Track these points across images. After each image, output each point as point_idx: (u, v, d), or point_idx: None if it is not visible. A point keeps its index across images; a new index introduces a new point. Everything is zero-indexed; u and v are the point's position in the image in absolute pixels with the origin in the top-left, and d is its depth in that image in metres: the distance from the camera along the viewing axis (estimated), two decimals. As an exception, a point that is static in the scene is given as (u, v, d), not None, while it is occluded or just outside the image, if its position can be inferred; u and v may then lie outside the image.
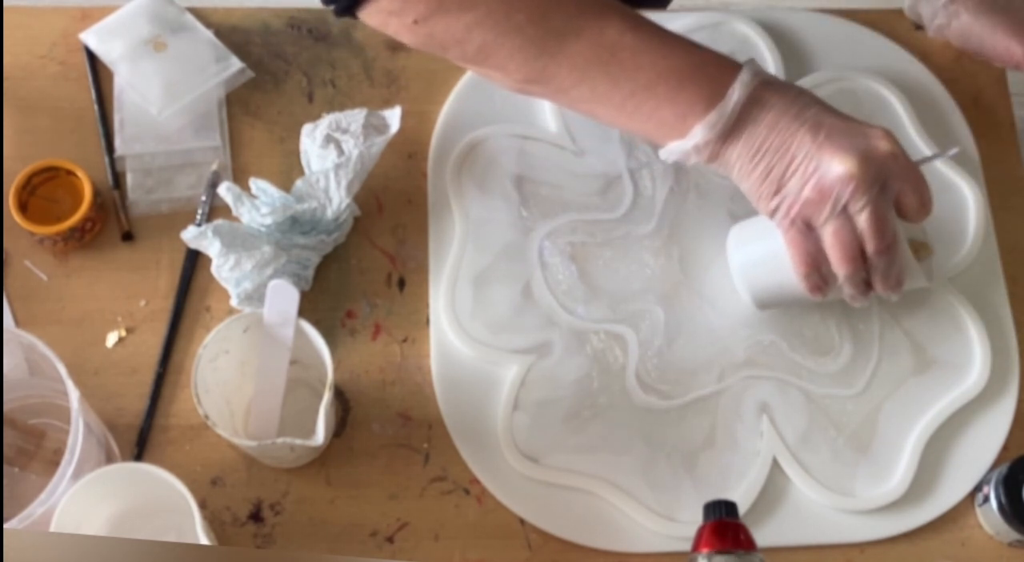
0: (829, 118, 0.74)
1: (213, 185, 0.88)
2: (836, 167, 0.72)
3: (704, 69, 0.75)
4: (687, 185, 0.91)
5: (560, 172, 0.91)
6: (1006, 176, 0.95)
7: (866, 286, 0.78)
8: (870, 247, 0.74)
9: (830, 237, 0.75)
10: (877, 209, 0.73)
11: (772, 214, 0.76)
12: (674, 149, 0.76)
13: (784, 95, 0.75)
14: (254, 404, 0.80)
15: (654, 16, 0.97)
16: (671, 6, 0.99)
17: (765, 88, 0.75)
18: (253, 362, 0.79)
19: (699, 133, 0.74)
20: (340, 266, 0.88)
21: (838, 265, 0.76)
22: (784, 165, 0.74)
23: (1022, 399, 0.88)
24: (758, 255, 0.82)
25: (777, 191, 0.75)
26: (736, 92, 0.74)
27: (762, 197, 0.76)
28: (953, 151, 0.83)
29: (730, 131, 0.74)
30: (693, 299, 0.88)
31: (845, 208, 0.73)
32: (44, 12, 0.94)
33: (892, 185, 0.74)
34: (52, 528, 0.68)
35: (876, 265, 0.76)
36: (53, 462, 0.76)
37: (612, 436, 0.84)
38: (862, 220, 0.73)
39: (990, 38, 0.92)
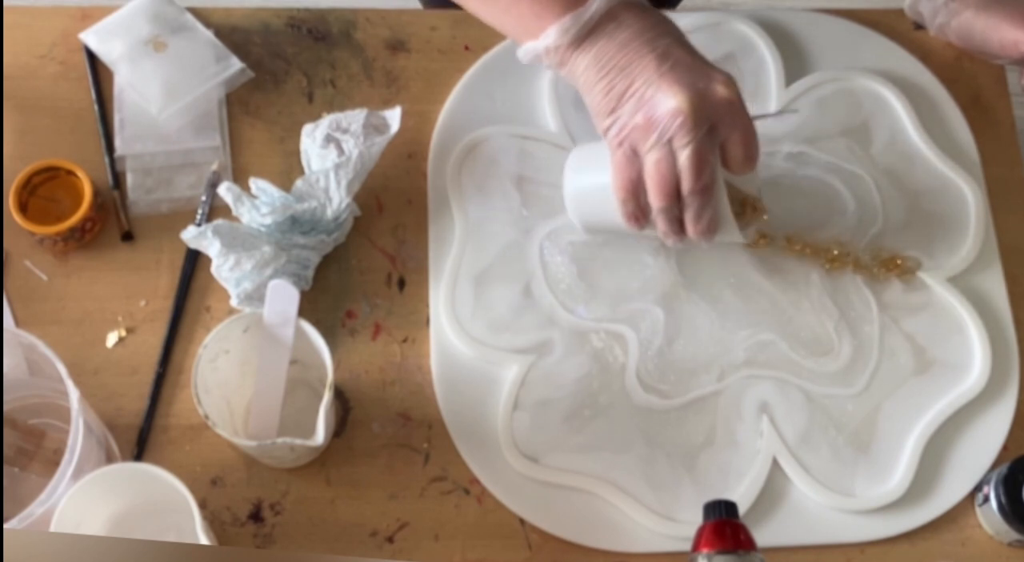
0: (679, 51, 0.75)
1: (213, 185, 0.88)
2: (669, 100, 0.73)
3: None
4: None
5: (560, 172, 0.91)
6: (1006, 176, 0.95)
7: (679, 225, 0.78)
8: (685, 185, 0.75)
9: (651, 166, 0.75)
10: (699, 149, 0.74)
11: (605, 132, 0.77)
12: (528, 49, 0.78)
13: (643, 19, 0.76)
14: (254, 404, 0.80)
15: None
16: (659, 5, 0.99)
17: (627, 8, 0.76)
18: (253, 362, 0.79)
19: (552, 35, 0.75)
20: (340, 266, 0.88)
21: (653, 196, 0.76)
22: (625, 86, 0.75)
23: (1022, 399, 0.88)
24: (589, 180, 0.82)
25: (613, 110, 0.76)
26: (596, 2, 0.75)
27: (600, 113, 0.77)
28: (791, 112, 0.84)
29: (582, 39, 0.75)
30: (692, 299, 0.88)
31: (670, 142, 0.74)
32: (44, 12, 0.94)
33: (721, 131, 0.75)
34: (52, 528, 0.68)
35: (689, 204, 0.76)
36: (53, 462, 0.76)
37: (612, 436, 0.84)
38: (683, 157, 0.74)
39: (994, 32, 0.92)
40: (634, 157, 0.76)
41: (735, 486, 0.83)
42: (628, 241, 0.89)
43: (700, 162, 0.74)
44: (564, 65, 0.77)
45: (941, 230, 0.92)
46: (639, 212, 0.79)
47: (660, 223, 0.78)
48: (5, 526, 0.68)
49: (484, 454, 0.83)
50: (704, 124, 0.74)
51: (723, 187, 0.77)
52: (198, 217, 0.88)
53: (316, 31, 0.96)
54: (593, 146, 0.83)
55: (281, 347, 0.78)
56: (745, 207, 0.85)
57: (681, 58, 0.75)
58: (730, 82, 0.75)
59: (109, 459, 0.79)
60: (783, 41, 0.97)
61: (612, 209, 0.80)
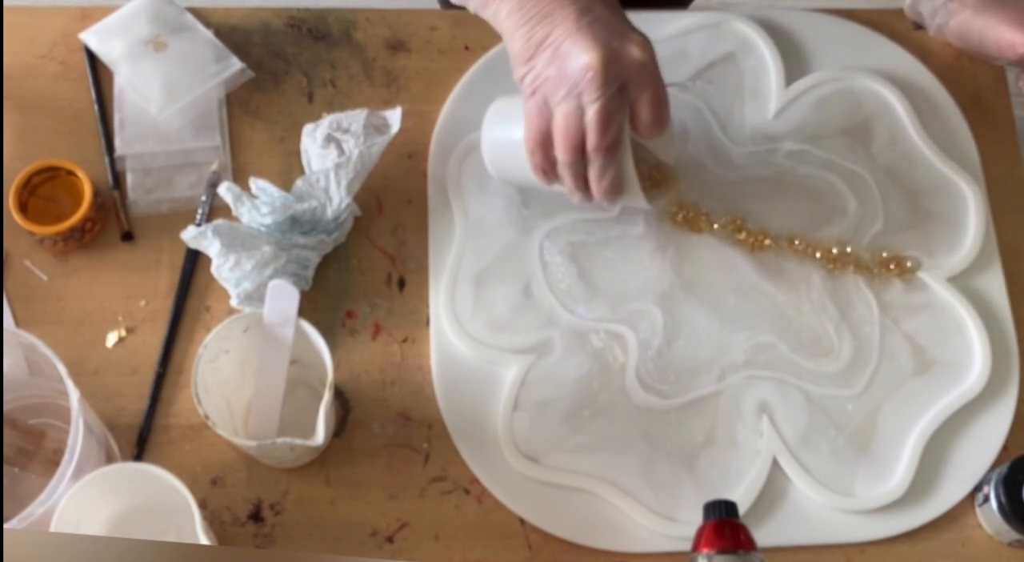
0: (601, 8, 0.75)
1: (213, 185, 0.88)
2: (583, 55, 0.73)
3: None
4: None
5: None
6: (1006, 176, 0.95)
7: (584, 182, 0.79)
8: (590, 142, 0.75)
9: (559, 119, 0.76)
10: (606, 107, 0.74)
11: (520, 81, 0.78)
12: None
13: None
14: (254, 404, 0.80)
15: (655, 15, 0.98)
16: (663, 6, 0.99)
17: None
18: (253, 362, 0.79)
19: None
20: (340, 266, 0.88)
21: (559, 149, 0.77)
22: (543, 35, 0.75)
23: (1022, 399, 0.88)
24: (505, 132, 0.83)
25: (530, 58, 0.76)
26: None
27: (517, 61, 0.77)
28: (707, 82, 0.85)
29: None
30: (691, 300, 0.88)
31: (580, 96, 0.74)
32: (44, 12, 0.94)
33: (631, 91, 0.75)
34: (52, 528, 0.68)
35: (593, 161, 0.76)
36: (53, 462, 0.76)
37: (612, 436, 0.84)
38: (590, 113, 0.74)
39: (991, 34, 0.92)
40: (545, 108, 0.77)
41: (735, 486, 0.83)
42: (627, 242, 0.89)
43: (606, 120, 0.74)
44: (488, 7, 0.78)
45: (941, 230, 0.92)
46: (547, 165, 0.79)
47: (566, 178, 0.79)
48: (5, 526, 0.68)
49: (484, 454, 0.83)
50: (614, 82, 0.74)
51: (629, 149, 0.77)
52: (198, 217, 0.88)
53: (316, 31, 0.96)
54: (515, 98, 0.83)
55: (281, 347, 0.78)
56: (656, 175, 0.85)
57: (602, 15, 0.75)
58: (645, 44, 0.75)
59: (109, 459, 0.79)
60: (783, 41, 0.97)
61: (525, 162, 0.81)
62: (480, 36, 0.95)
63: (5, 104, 0.91)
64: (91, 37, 0.92)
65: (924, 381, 0.87)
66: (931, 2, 0.96)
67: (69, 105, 0.91)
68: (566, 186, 0.80)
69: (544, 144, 0.78)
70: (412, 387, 0.85)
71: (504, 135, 0.83)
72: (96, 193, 0.86)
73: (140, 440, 0.82)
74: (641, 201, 0.80)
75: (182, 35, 0.92)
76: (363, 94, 0.94)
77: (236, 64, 0.92)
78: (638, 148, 0.85)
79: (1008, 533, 0.81)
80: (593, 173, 0.77)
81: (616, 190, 0.78)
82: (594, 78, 0.73)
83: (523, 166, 0.81)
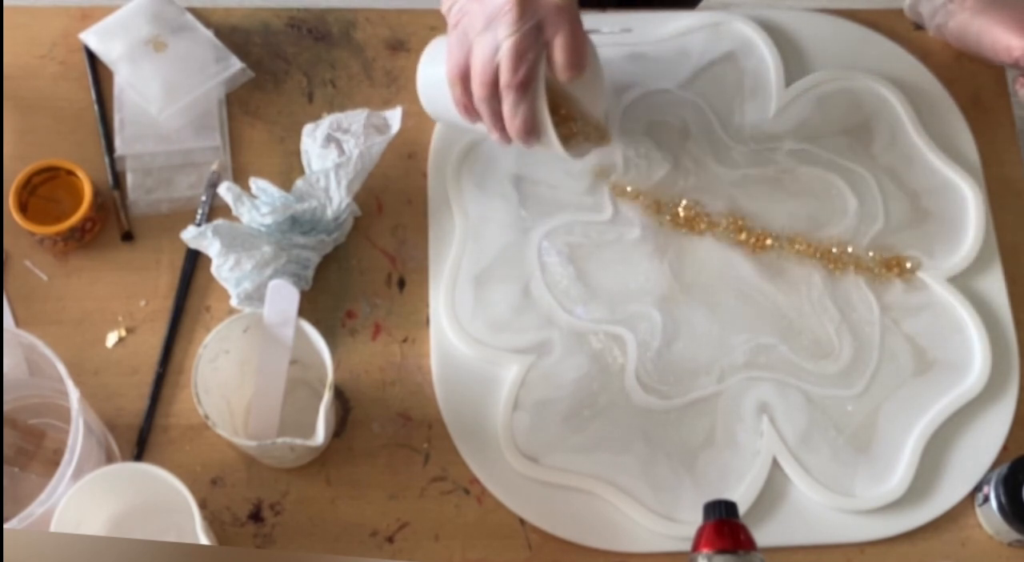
0: None
1: (213, 185, 0.88)
2: None
3: None
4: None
5: (557, 171, 0.91)
6: (1006, 176, 0.95)
7: (500, 121, 0.79)
8: (502, 77, 0.76)
9: (476, 52, 0.76)
10: (520, 43, 0.75)
11: (447, 13, 0.79)
12: None
13: None
14: (254, 404, 0.80)
15: (655, 15, 0.98)
16: (671, 6, 0.99)
17: None
18: (253, 362, 0.79)
19: None
20: (340, 266, 0.88)
21: (474, 83, 0.77)
22: None
23: (1022, 399, 0.88)
24: (438, 71, 0.83)
25: None
26: None
27: None
28: (626, 30, 0.86)
29: None
30: (690, 302, 0.88)
31: (497, 31, 0.75)
32: (44, 12, 0.94)
33: (547, 31, 0.76)
34: (52, 528, 0.68)
35: (505, 98, 0.77)
36: (53, 462, 0.76)
37: (612, 436, 0.84)
38: (503, 48, 0.75)
39: (987, 36, 0.92)
40: (465, 41, 0.77)
41: (735, 486, 0.83)
42: (625, 245, 0.89)
43: (518, 55, 0.75)
44: None
45: (941, 230, 0.92)
46: (467, 100, 0.80)
47: (483, 115, 0.79)
48: (5, 526, 0.68)
49: (484, 454, 0.83)
50: (530, 19, 0.75)
51: (542, 90, 0.77)
52: (198, 217, 0.88)
53: (316, 31, 0.96)
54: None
55: (281, 347, 0.78)
56: (586, 128, 0.86)
57: None
58: None
59: (109, 459, 0.79)
60: (783, 41, 0.97)
61: (451, 100, 0.81)
62: (480, 36, 0.95)
63: (5, 104, 0.91)
64: (91, 37, 0.92)
65: (924, 381, 0.87)
66: (931, 2, 0.97)
67: (69, 105, 0.91)
68: (485, 123, 0.81)
69: (463, 78, 0.78)
70: (412, 387, 0.85)
71: (435, 72, 0.83)
72: (96, 193, 0.86)
73: (140, 440, 0.82)
74: (557, 147, 0.80)
75: (182, 35, 0.92)
76: (363, 94, 0.94)
77: (236, 64, 0.92)
78: (565, 97, 0.86)
79: (1008, 533, 0.81)
80: (506, 110, 0.78)
81: (528, 131, 0.79)
82: (510, 12, 0.74)
83: (451, 104, 0.82)
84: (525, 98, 0.77)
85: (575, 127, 0.86)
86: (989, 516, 0.83)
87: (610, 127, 0.88)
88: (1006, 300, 0.90)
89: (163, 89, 0.90)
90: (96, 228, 0.87)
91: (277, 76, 0.94)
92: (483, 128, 0.81)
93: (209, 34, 0.93)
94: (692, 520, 0.77)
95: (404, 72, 0.95)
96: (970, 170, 0.94)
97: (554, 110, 0.81)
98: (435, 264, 0.88)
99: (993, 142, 0.96)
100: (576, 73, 0.77)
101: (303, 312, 0.78)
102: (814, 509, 0.83)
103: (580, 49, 0.77)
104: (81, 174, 0.86)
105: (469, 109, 0.80)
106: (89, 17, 0.94)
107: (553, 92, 0.83)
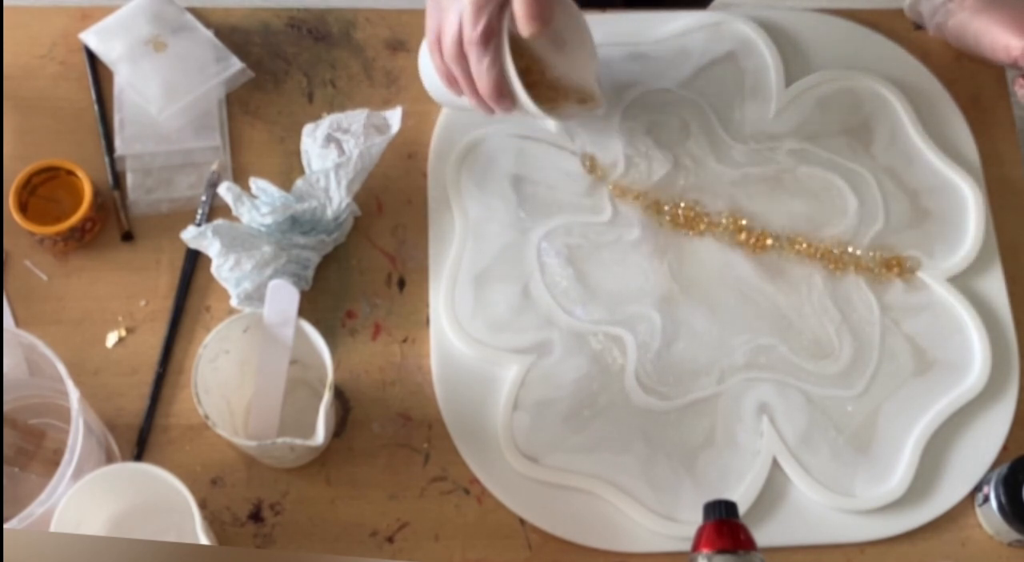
0: None
1: (213, 185, 0.88)
2: None
3: None
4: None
5: (555, 172, 0.91)
6: (1006, 176, 0.95)
7: (473, 83, 0.79)
8: (464, 34, 0.77)
9: (446, 15, 0.77)
10: None
11: None
12: None
13: None
14: (254, 404, 0.80)
15: (656, 15, 0.98)
16: (672, 6, 0.99)
17: None
18: (253, 362, 0.79)
19: None
20: (340, 266, 0.88)
21: (443, 43, 0.78)
22: None
23: (1022, 399, 0.88)
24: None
25: None
26: None
27: None
28: None
29: None
30: (690, 304, 0.88)
31: None
32: (44, 12, 0.94)
33: None
34: (52, 528, 0.68)
35: (469, 56, 0.78)
36: (53, 462, 0.76)
37: (612, 436, 0.84)
38: (464, 3, 0.76)
39: (986, 36, 0.92)
40: (439, 8, 0.78)
41: (735, 486, 0.83)
42: (624, 246, 0.89)
43: (476, 9, 0.76)
44: None
45: (941, 230, 0.92)
46: (445, 66, 0.80)
47: (458, 78, 0.80)
48: (5, 526, 0.68)
49: (484, 454, 0.83)
50: None
51: (505, 46, 0.78)
52: (198, 217, 0.88)
53: (316, 31, 0.96)
54: None
55: (281, 347, 0.78)
56: (554, 91, 0.86)
57: None
58: None
59: (109, 459, 0.79)
60: (783, 41, 0.97)
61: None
62: (480, 36, 0.95)
63: (5, 104, 0.91)
64: (91, 37, 0.92)
65: (924, 381, 0.87)
66: (930, 2, 0.97)
67: (69, 105, 0.91)
68: (464, 92, 0.81)
69: (439, 43, 0.79)
70: (412, 387, 0.85)
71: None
72: (96, 193, 0.86)
73: (140, 440, 0.82)
74: (531, 107, 0.80)
75: (182, 35, 0.92)
76: (363, 94, 0.94)
77: (236, 64, 0.92)
78: (550, 63, 0.86)
79: (1008, 533, 0.81)
80: (473, 69, 0.78)
81: (498, 92, 0.79)
82: None
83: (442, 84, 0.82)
84: (487, 53, 0.77)
85: (561, 92, 0.86)
86: (989, 516, 0.83)
87: (599, 93, 0.88)
88: (1006, 300, 0.90)
89: (163, 89, 0.90)
90: (96, 228, 0.87)
91: (277, 76, 0.94)
92: (467, 102, 0.82)
93: (209, 34, 0.93)
94: (692, 520, 0.77)
95: (404, 72, 0.95)
96: (970, 170, 0.94)
97: (540, 75, 0.82)
98: (435, 264, 0.88)
99: (993, 142, 0.96)
100: (538, 25, 0.77)
101: (303, 312, 0.78)
102: (814, 509, 0.83)
103: (539, 7, 0.77)
104: (81, 174, 0.86)
105: (448, 77, 0.81)
106: (89, 17, 0.94)
107: (536, 58, 0.84)
